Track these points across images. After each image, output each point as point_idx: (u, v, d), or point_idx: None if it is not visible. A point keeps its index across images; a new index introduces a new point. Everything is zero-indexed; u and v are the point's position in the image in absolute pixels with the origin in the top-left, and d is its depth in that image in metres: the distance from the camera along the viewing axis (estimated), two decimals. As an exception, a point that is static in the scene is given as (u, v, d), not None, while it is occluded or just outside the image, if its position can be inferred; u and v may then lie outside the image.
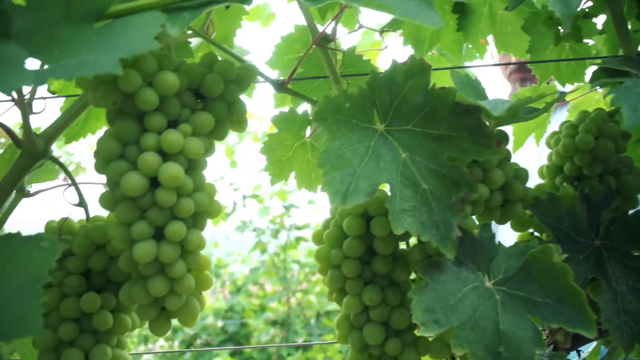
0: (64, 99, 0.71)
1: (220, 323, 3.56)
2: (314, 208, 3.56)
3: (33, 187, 0.57)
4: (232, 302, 3.76)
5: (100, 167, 0.44)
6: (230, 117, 0.47)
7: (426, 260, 0.43)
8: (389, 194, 0.41)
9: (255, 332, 3.38)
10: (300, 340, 3.07)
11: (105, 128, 0.74)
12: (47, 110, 0.57)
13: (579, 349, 0.56)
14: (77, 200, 0.53)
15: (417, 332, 0.38)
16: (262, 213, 3.39)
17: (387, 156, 0.41)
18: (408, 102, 0.42)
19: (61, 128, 0.49)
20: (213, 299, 5.25)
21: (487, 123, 0.40)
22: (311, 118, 0.41)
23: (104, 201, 0.44)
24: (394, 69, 0.42)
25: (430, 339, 0.47)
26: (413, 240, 0.48)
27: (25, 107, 0.48)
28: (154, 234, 0.43)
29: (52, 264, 0.37)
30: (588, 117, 0.54)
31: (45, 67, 0.36)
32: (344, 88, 0.42)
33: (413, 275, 0.48)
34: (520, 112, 0.43)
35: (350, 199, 0.39)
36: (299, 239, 3.42)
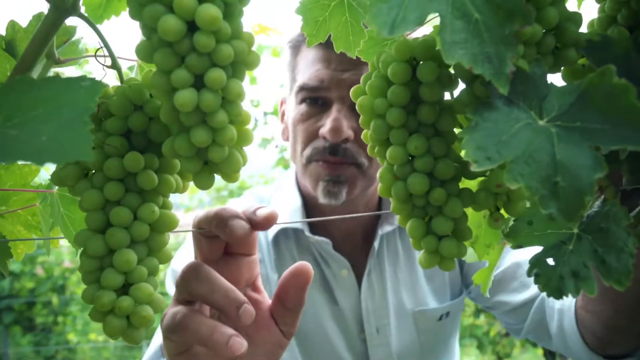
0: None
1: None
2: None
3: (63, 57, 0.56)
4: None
5: (134, 13, 0.42)
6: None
7: (476, 101, 0.41)
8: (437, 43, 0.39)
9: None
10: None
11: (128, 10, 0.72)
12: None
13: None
14: (109, 63, 0.52)
15: (471, 168, 0.37)
16: (285, 128, 3.37)
17: (436, -13, 0.39)
18: None
19: (89, -18, 0.47)
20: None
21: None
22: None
23: (141, 50, 0.43)
24: None
25: (475, 189, 0.47)
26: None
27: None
28: (194, 82, 0.42)
29: (95, 99, 0.37)
30: (646, -40, 0.50)
31: None
32: None
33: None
34: None
35: (398, 28, 0.37)
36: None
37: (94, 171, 0.49)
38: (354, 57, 0.57)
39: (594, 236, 0.50)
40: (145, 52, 0.43)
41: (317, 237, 1.12)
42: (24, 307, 4.24)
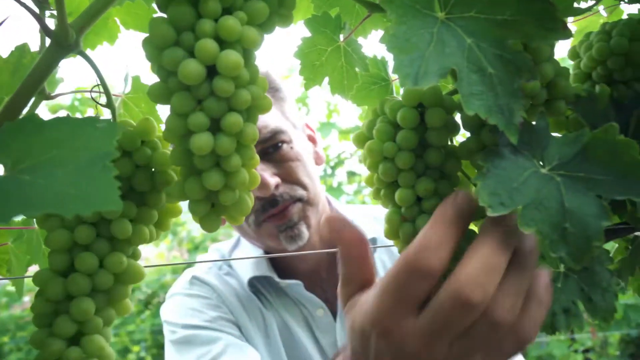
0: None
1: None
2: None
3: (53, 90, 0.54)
4: (190, 259, 3.76)
5: (153, 56, 0.41)
6: (280, 10, 0.45)
7: (485, 149, 0.44)
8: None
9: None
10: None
11: (105, 44, 0.70)
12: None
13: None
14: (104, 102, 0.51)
15: (487, 213, 0.39)
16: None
17: (452, 42, 0.41)
18: (471, -12, 0.42)
19: (93, 18, 0.45)
20: (170, 256, 5.22)
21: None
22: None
23: (156, 93, 0.42)
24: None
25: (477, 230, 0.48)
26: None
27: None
28: (209, 126, 0.42)
29: (114, 143, 0.35)
30: (620, 23, 0.55)
31: None
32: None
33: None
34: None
35: (422, 80, 0.39)
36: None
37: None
38: (347, 101, 0.58)
39: (580, 275, 0.53)
40: (159, 94, 0.42)
41: (287, 281, 1.11)
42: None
